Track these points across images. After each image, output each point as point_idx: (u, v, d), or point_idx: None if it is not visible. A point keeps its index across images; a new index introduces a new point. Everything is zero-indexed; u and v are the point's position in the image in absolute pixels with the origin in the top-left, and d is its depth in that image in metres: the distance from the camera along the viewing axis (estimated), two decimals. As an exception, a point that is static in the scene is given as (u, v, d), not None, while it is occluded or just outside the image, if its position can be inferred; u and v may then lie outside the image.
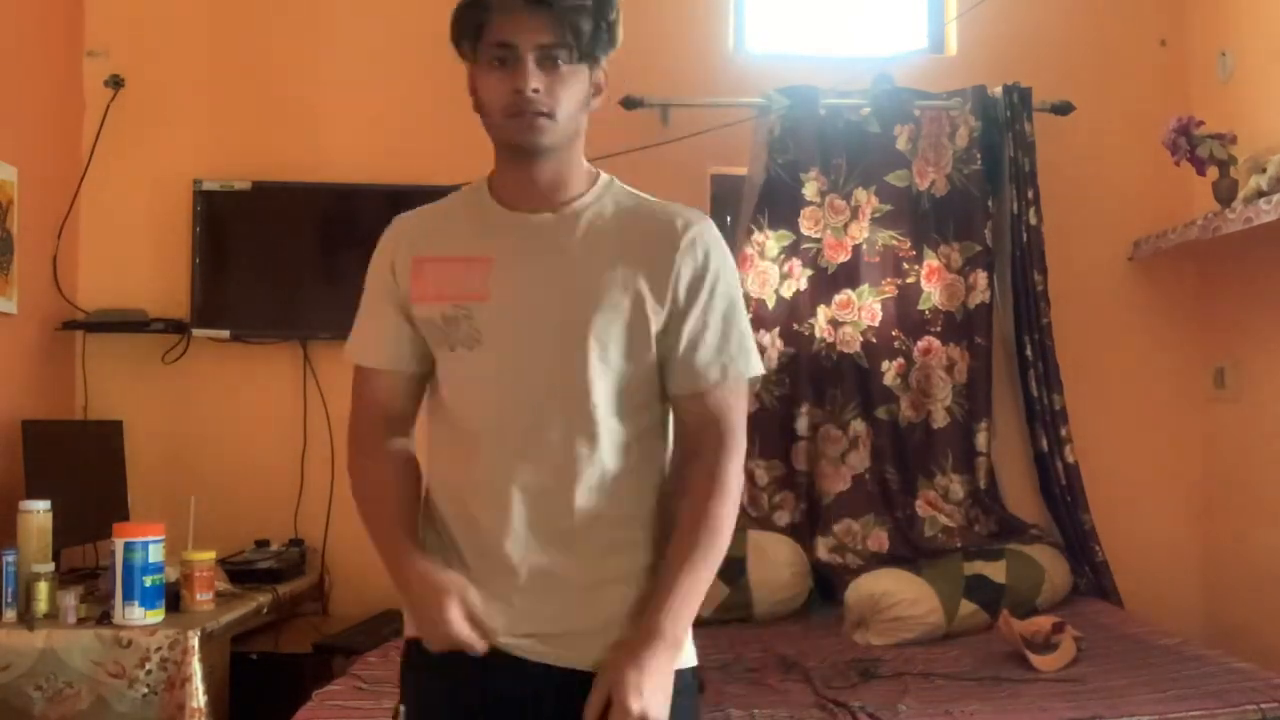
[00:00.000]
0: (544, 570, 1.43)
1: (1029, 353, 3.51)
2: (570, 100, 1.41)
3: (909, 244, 3.57)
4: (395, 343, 1.52)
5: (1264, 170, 2.98)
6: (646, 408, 1.48)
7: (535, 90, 1.37)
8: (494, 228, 1.48)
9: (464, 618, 1.39)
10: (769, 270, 3.53)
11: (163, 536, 2.63)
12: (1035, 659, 2.62)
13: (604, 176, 1.52)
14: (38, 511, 2.75)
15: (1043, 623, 2.79)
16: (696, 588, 1.40)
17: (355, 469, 1.61)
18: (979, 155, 3.53)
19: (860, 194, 3.56)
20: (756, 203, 3.53)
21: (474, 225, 1.50)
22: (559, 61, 1.38)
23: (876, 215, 3.56)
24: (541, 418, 1.43)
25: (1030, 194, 3.53)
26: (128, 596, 2.55)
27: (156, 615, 2.59)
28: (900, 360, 3.55)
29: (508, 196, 1.49)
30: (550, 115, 1.39)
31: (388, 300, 1.53)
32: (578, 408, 1.42)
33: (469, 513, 1.47)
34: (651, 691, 1.33)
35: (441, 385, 1.52)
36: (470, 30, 1.41)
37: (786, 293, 3.53)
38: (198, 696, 2.50)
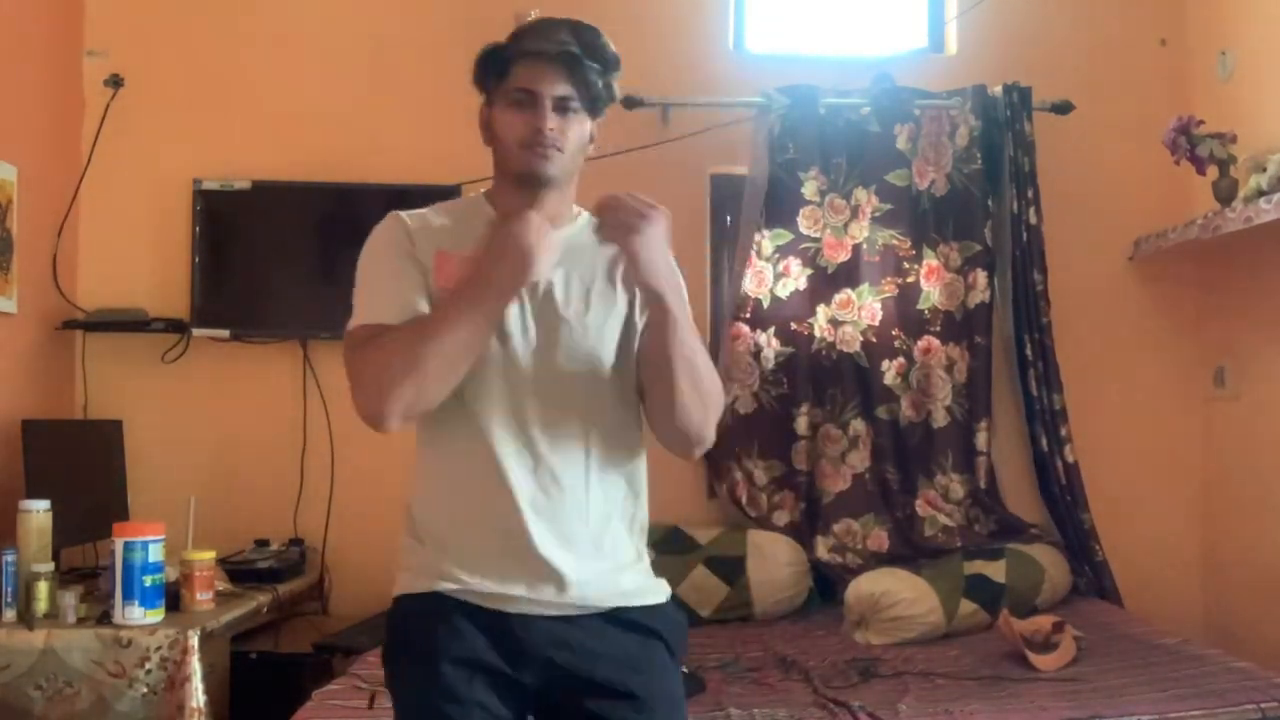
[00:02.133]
0: (559, 533, 1.54)
1: (1029, 352, 3.51)
2: (576, 140, 1.58)
3: (909, 243, 3.57)
4: (421, 301, 1.55)
5: (1264, 169, 2.98)
6: (632, 388, 1.63)
7: (551, 129, 1.55)
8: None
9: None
10: (766, 269, 3.53)
11: (162, 536, 2.63)
12: (1035, 658, 2.63)
13: (584, 214, 1.67)
14: (37, 511, 2.74)
15: (1043, 622, 2.79)
16: (694, 337, 1.57)
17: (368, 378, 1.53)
18: (979, 155, 3.53)
19: (860, 193, 3.56)
20: (760, 203, 3.53)
21: (481, 233, 1.57)
22: (570, 110, 1.57)
23: (876, 215, 3.56)
24: (556, 403, 1.55)
25: (1030, 193, 3.53)
26: (127, 596, 2.55)
27: (156, 615, 2.58)
28: (900, 360, 3.55)
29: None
30: (560, 150, 1.56)
31: (410, 263, 1.58)
32: (591, 391, 1.57)
33: (479, 497, 1.53)
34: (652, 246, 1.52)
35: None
36: (495, 73, 1.60)
37: (784, 292, 3.53)
38: (197, 696, 2.49)
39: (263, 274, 3.51)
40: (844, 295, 3.55)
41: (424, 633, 1.52)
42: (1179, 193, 3.57)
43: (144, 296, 3.49)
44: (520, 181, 1.59)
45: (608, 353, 1.59)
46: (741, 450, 3.49)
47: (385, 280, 1.59)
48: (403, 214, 1.64)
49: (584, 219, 1.65)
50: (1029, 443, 3.57)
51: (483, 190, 1.69)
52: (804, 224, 3.54)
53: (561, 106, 1.56)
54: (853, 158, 3.57)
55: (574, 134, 1.57)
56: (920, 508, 3.48)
